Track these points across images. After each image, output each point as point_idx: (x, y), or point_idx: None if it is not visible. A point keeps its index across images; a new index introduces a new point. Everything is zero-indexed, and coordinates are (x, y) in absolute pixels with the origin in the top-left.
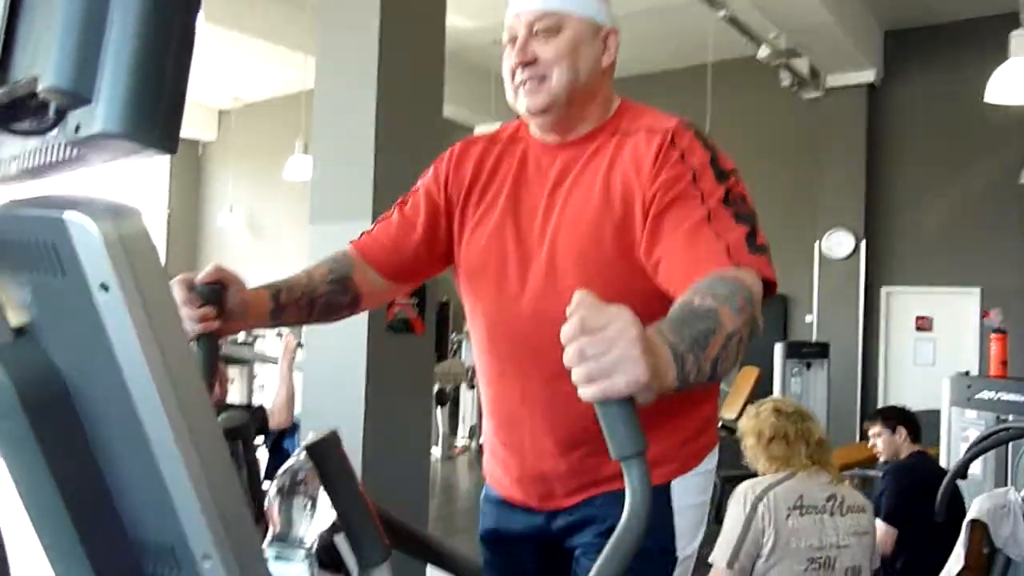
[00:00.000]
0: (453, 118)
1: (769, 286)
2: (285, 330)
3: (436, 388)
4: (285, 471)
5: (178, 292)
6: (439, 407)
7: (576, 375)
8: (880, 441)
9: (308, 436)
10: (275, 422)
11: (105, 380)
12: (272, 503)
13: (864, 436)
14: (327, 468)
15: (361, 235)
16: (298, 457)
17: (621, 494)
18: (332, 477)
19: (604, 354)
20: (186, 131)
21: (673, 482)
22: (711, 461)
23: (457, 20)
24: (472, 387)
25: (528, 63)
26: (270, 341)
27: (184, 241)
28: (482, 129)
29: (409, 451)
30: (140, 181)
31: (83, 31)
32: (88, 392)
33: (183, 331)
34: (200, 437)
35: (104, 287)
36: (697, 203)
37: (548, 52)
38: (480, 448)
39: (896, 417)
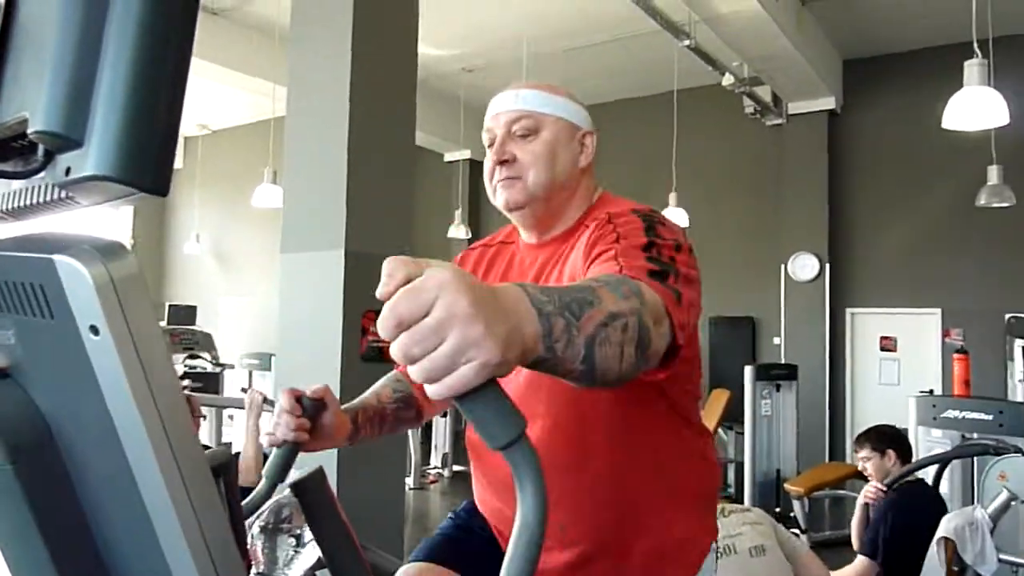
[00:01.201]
0: (423, 145)
1: (673, 327)
2: (249, 385)
3: None
4: (269, 508)
5: (285, 399)
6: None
7: (413, 375)
8: (870, 465)
9: (292, 473)
10: (243, 479)
11: (93, 425)
12: (256, 541)
13: (834, 455)
14: (313, 506)
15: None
16: (282, 494)
17: None
18: (318, 515)
19: (436, 347)
20: None
21: None
22: (709, 561)
23: (426, 48)
24: (444, 415)
25: (506, 161)
26: (237, 372)
27: (149, 271)
28: (453, 156)
29: (383, 481)
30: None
31: (75, 72)
32: (75, 437)
33: (174, 375)
34: (192, 485)
35: (94, 330)
36: (613, 248)
37: (525, 153)
38: (454, 475)
39: (885, 440)
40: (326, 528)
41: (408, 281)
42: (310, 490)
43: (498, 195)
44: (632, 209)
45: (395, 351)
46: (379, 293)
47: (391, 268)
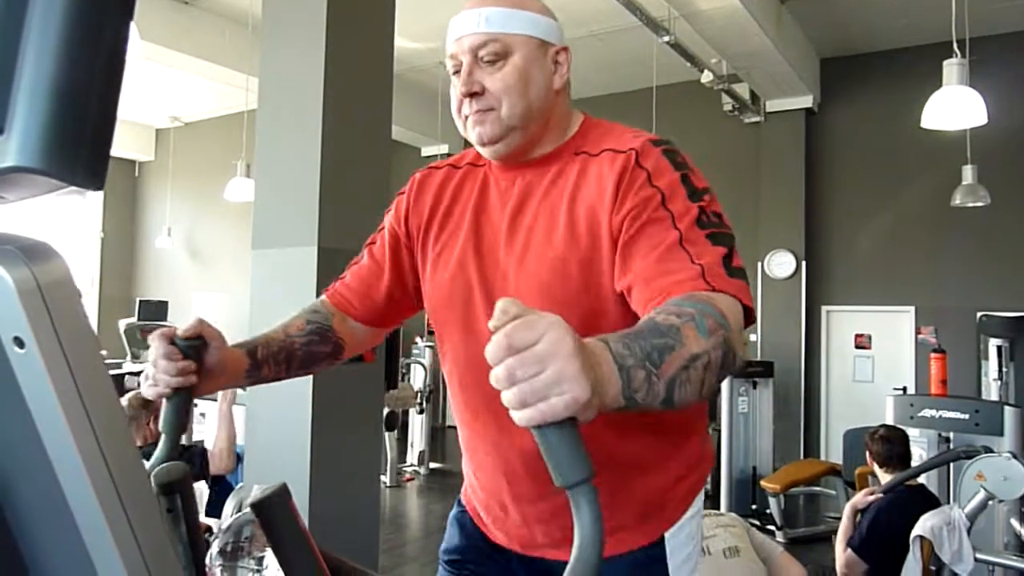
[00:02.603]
0: (399, 139)
1: (747, 312)
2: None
3: (386, 412)
4: (228, 529)
5: (158, 345)
6: (388, 432)
7: (507, 399)
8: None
9: (253, 491)
10: (216, 467)
11: (21, 446)
12: (214, 564)
13: (808, 453)
14: (276, 528)
15: (334, 282)
16: (241, 514)
17: (613, 557)
18: (281, 538)
19: (537, 374)
20: (122, 151)
21: (666, 536)
22: (698, 502)
23: (403, 41)
24: (421, 412)
25: (475, 94)
26: None
27: (119, 265)
28: (429, 151)
29: (359, 480)
30: (71, 203)
31: None
32: (0, 460)
33: (112, 391)
34: (132, 510)
35: (18, 342)
36: (668, 225)
37: (496, 82)
38: (431, 473)
39: (868, 442)
40: (290, 551)
41: (518, 317)
42: (272, 509)
43: (471, 130)
44: (651, 141)
45: (500, 372)
46: (492, 324)
47: (506, 305)
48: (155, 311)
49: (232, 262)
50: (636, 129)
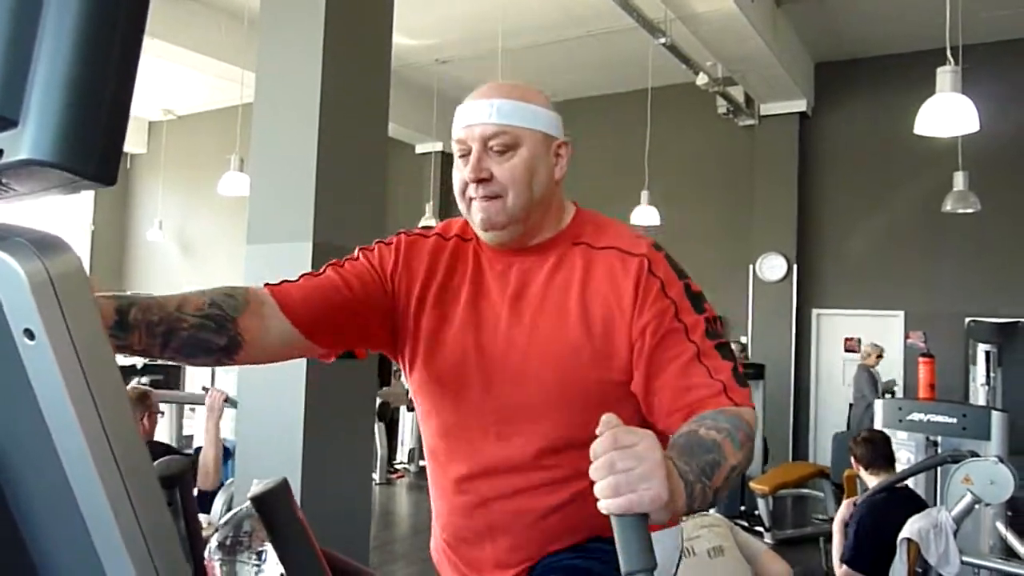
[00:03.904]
0: (394, 136)
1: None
2: (211, 383)
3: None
4: (227, 522)
5: None
6: (379, 423)
7: (602, 486)
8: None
9: (253, 485)
10: (201, 483)
11: (28, 438)
12: (213, 558)
13: (797, 455)
14: (276, 522)
15: (280, 281)
16: (241, 508)
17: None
18: (281, 532)
19: (633, 468)
20: None
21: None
22: None
23: (398, 38)
24: (412, 409)
25: (484, 180)
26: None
27: (110, 258)
28: (423, 148)
29: (350, 477)
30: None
31: (8, 42)
32: (8, 450)
33: (120, 383)
34: (139, 502)
35: (29, 334)
36: (684, 337)
37: (504, 172)
38: (421, 470)
39: (852, 446)
40: (290, 546)
41: (620, 426)
42: (272, 504)
43: (475, 214)
44: (653, 245)
45: (602, 463)
46: (599, 430)
47: (609, 417)
48: None
49: (225, 256)
50: (628, 225)
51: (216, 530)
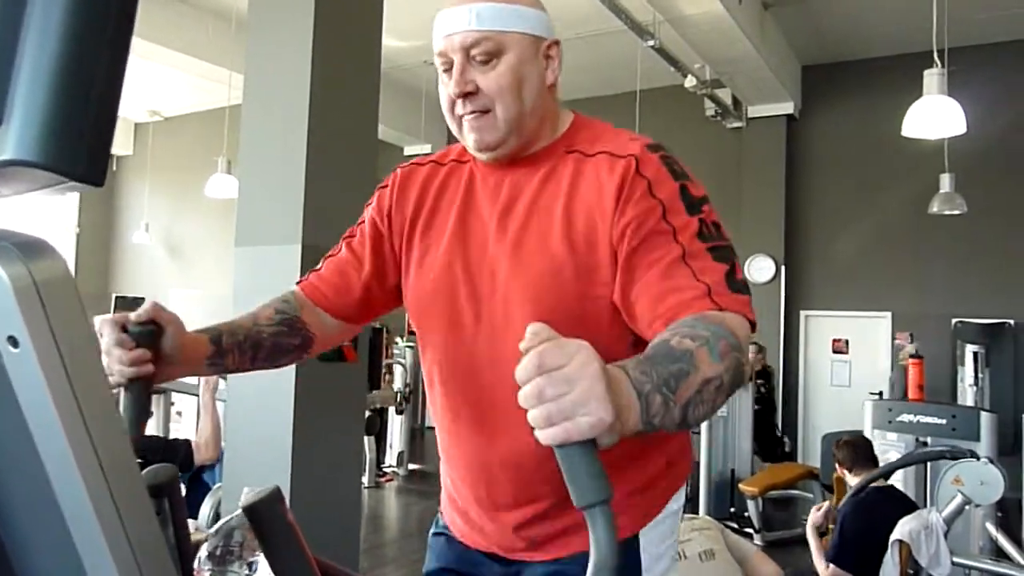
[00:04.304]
0: (382, 138)
1: (751, 325)
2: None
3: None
4: (217, 532)
5: (109, 333)
6: (367, 436)
7: (533, 417)
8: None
9: (244, 493)
10: (201, 457)
11: (11, 449)
12: (203, 569)
13: (785, 456)
14: (269, 532)
15: (308, 274)
16: (231, 516)
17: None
18: (274, 542)
19: (565, 394)
20: None
21: (640, 533)
22: (677, 500)
23: (388, 40)
24: (400, 412)
25: (469, 94)
26: None
27: (95, 261)
28: (412, 150)
29: (340, 481)
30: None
31: None
32: None
33: (109, 393)
34: (128, 518)
35: (12, 341)
36: (670, 239)
37: (490, 82)
38: (410, 474)
39: (835, 451)
40: (283, 556)
41: (548, 340)
42: (265, 514)
43: (467, 134)
44: (648, 146)
45: (529, 390)
46: (524, 346)
47: (536, 329)
48: (132, 308)
49: (212, 259)
50: (630, 131)
51: (206, 538)
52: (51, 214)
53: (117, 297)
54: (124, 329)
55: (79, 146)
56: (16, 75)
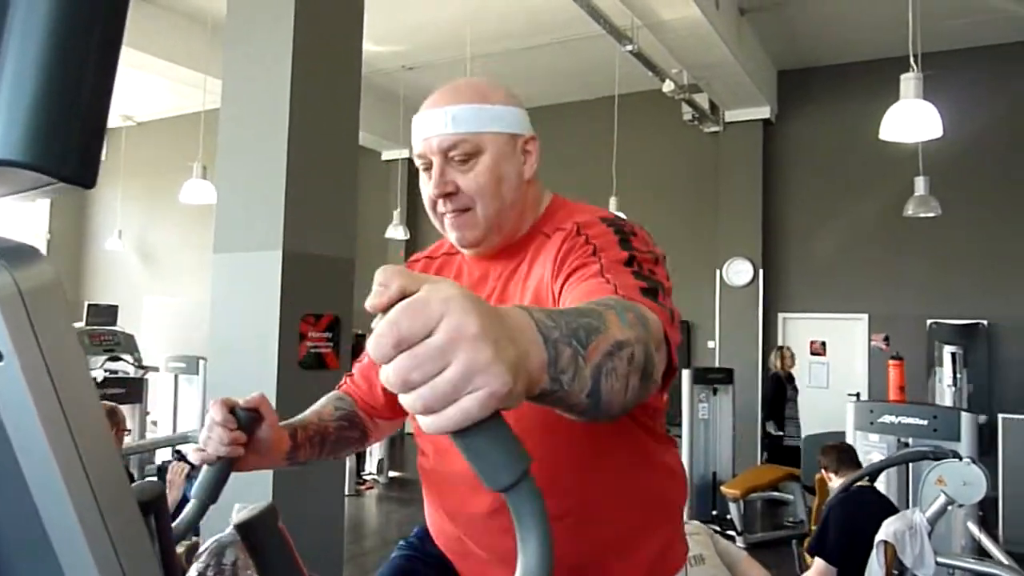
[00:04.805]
0: (360, 143)
1: (668, 345)
2: (183, 450)
3: None
4: (207, 549)
5: (218, 411)
6: None
7: (408, 405)
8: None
9: (237, 510)
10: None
11: None
12: None
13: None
14: (263, 550)
15: (345, 378)
16: (222, 534)
17: None
18: (270, 560)
19: (438, 372)
20: None
21: None
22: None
23: (367, 44)
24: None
25: (450, 194)
26: (162, 376)
27: (67, 268)
28: (390, 155)
29: (322, 492)
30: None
31: None
32: None
33: (98, 406)
34: (118, 533)
35: None
36: (595, 263)
37: (469, 182)
38: (390, 481)
39: (821, 457)
40: (279, 575)
41: (404, 295)
42: (260, 531)
43: (449, 232)
44: (600, 217)
45: (390, 375)
46: (370, 304)
47: (385, 278)
48: (105, 315)
49: (186, 266)
50: (599, 208)
51: (184, 552)
52: (21, 221)
53: (89, 305)
54: (232, 410)
55: (68, 146)
56: (2, 76)
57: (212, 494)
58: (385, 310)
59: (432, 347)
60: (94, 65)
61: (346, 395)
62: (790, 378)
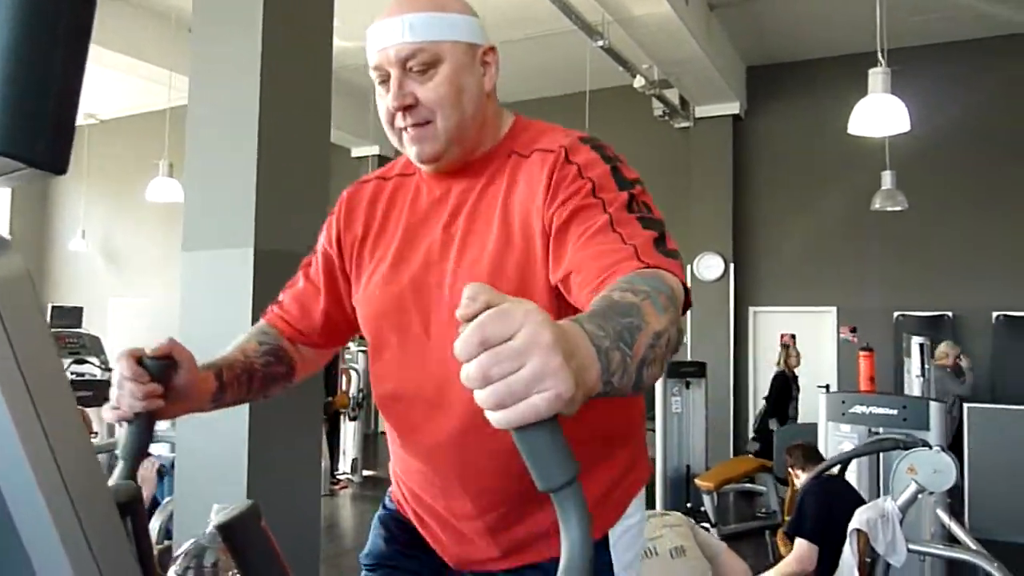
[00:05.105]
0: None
1: (686, 292)
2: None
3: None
4: (187, 552)
5: (124, 365)
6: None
7: (481, 399)
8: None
9: (216, 511)
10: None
11: None
12: None
13: (738, 451)
14: (247, 551)
15: (271, 306)
16: (203, 535)
17: (551, 566)
18: (253, 562)
19: (515, 371)
20: None
21: (609, 532)
22: (639, 502)
23: (335, 40)
24: (354, 419)
25: (409, 107)
26: None
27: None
28: (360, 151)
29: (297, 492)
30: None
31: None
32: None
33: (71, 399)
34: (94, 535)
35: None
36: (599, 211)
37: (428, 93)
38: (364, 480)
39: (788, 457)
40: None
41: (489, 307)
42: (243, 532)
43: (408, 147)
44: (580, 139)
45: (473, 371)
46: (461, 313)
47: (474, 292)
48: (69, 317)
49: (153, 266)
50: (567, 129)
51: (172, 560)
52: None
53: (54, 307)
54: (139, 362)
55: (38, 131)
56: None
57: (137, 452)
58: (471, 320)
59: (512, 348)
60: (64, 51)
61: (271, 326)
62: (795, 377)
